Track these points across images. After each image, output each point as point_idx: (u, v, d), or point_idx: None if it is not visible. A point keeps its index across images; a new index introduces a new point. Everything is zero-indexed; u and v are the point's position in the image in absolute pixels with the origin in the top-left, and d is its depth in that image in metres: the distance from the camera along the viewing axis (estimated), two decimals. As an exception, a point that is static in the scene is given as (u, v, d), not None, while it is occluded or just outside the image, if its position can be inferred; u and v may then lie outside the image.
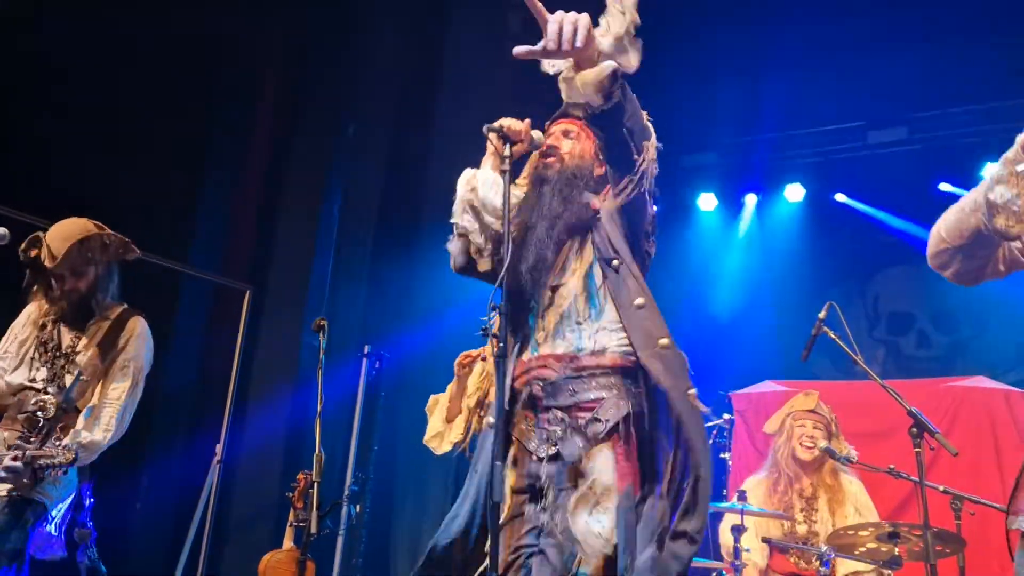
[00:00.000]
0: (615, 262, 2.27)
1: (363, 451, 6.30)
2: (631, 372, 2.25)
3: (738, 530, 3.75)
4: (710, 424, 4.92)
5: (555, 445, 2.19)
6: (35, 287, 3.24)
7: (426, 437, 4.11)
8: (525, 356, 2.31)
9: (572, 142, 2.42)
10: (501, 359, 1.99)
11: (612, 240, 2.29)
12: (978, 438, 4.88)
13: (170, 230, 5.79)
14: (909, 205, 6.07)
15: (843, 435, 4.36)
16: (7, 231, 2.74)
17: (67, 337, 3.20)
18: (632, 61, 2.04)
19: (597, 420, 2.17)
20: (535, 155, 2.43)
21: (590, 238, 2.33)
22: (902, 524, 3.55)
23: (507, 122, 2.30)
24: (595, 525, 2.07)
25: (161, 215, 5.60)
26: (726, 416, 5.01)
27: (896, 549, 3.45)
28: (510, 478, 2.23)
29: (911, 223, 6.11)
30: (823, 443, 4.04)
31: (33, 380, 3.11)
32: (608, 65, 1.99)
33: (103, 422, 3.08)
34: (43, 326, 3.21)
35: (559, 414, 2.21)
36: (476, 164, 2.49)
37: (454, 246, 2.46)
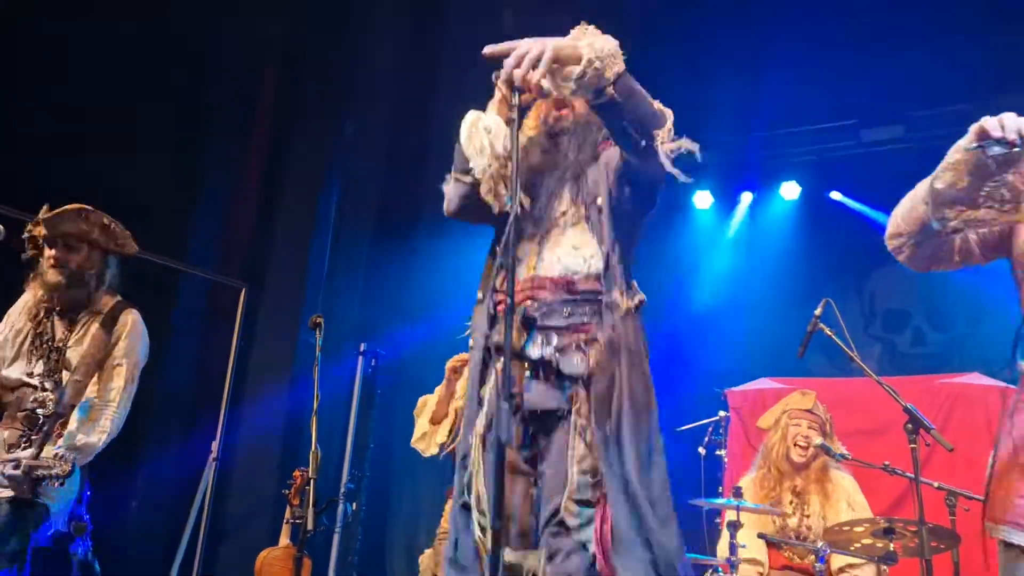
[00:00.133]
0: (599, 199, 2.30)
1: (359, 448, 6.31)
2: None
3: (734, 526, 3.76)
4: (706, 421, 4.94)
5: (553, 349, 2.20)
6: (32, 273, 3.19)
7: (413, 439, 4.12)
8: (518, 278, 2.29)
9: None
10: (509, 313, 1.96)
11: (599, 184, 2.32)
12: (973, 434, 4.89)
13: (167, 227, 5.79)
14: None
15: (839, 432, 4.37)
16: (2, 228, 2.74)
17: (60, 330, 3.14)
18: (609, 73, 2.08)
19: (595, 340, 2.20)
20: (544, 105, 2.41)
21: (589, 176, 2.34)
22: (897, 520, 3.56)
23: (519, 74, 2.29)
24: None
25: (158, 212, 5.59)
26: (722, 413, 5.02)
27: (891, 545, 3.47)
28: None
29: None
30: (818, 440, 4.05)
31: (30, 375, 3.07)
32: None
33: (99, 423, 3.03)
34: (38, 317, 3.16)
35: (553, 335, 2.22)
36: None
37: (452, 188, 2.41)
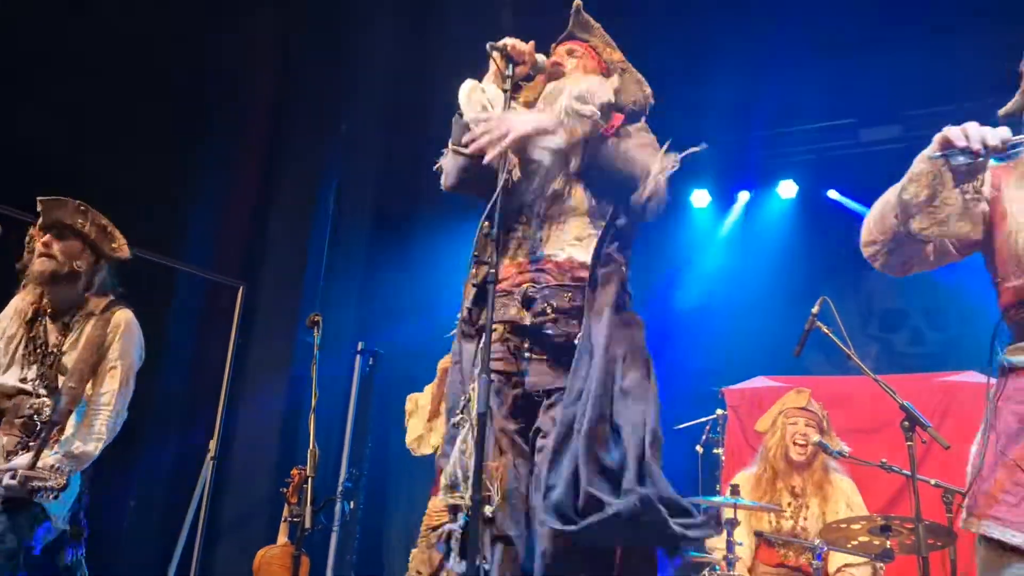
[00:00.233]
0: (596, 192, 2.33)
1: (357, 447, 6.31)
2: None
3: (731, 524, 3.77)
4: (703, 420, 4.94)
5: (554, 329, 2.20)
6: (26, 271, 3.13)
7: (408, 439, 4.12)
8: (519, 259, 2.30)
9: (577, 60, 2.42)
10: (491, 284, 1.99)
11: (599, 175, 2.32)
12: (969, 432, 4.84)
13: (165, 226, 5.78)
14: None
15: (836, 430, 4.38)
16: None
17: (54, 334, 3.09)
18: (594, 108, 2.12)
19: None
20: (540, 78, 2.39)
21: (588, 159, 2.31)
22: (894, 517, 3.57)
23: (511, 41, 2.29)
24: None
25: (156, 211, 5.59)
26: (719, 412, 5.03)
27: (888, 542, 3.48)
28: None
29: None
30: (816, 437, 4.06)
31: (25, 380, 3.03)
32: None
33: (95, 430, 2.98)
34: (30, 322, 3.10)
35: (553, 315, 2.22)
36: None
37: (450, 162, 2.38)
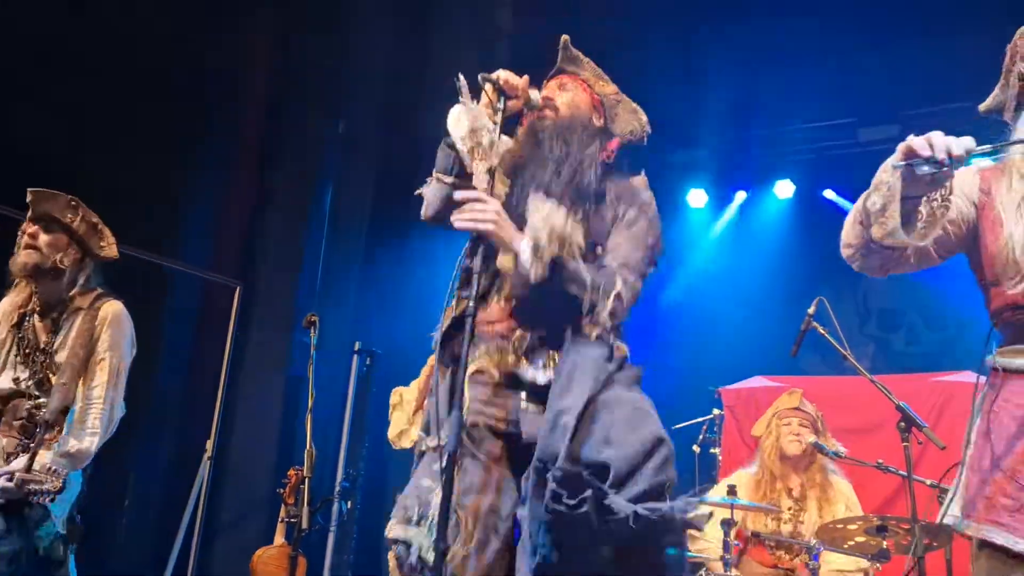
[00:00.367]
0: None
1: (354, 447, 6.31)
2: None
3: (728, 524, 3.77)
4: (700, 420, 4.95)
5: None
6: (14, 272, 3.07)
7: (390, 433, 4.11)
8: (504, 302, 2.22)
9: (568, 94, 2.39)
10: (470, 318, 1.96)
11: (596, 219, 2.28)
12: (965, 432, 4.91)
13: (161, 226, 5.78)
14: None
15: (832, 430, 4.38)
16: None
17: (43, 334, 3.04)
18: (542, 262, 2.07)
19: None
20: (531, 113, 2.36)
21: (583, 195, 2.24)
22: (890, 518, 3.58)
23: (504, 74, 2.25)
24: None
25: (152, 211, 5.58)
26: (716, 412, 5.03)
27: (884, 543, 3.48)
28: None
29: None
30: (811, 438, 4.06)
31: (18, 380, 3.00)
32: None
33: (88, 426, 2.94)
34: (18, 323, 3.06)
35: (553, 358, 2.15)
36: None
37: (432, 191, 2.32)
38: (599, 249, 2.25)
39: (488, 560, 2.04)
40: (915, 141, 1.66)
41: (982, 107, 1.98)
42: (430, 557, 1.96)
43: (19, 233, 3.09)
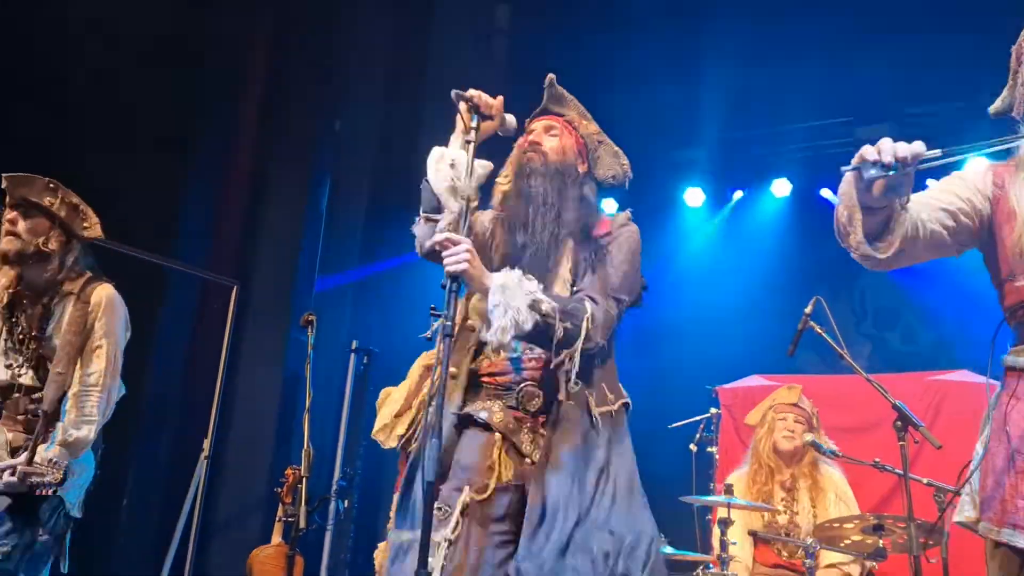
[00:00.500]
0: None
1: (351, 446, 6.31)
2: None
3: (724, 523, 3.78)
4: (697, 419, 4.95)
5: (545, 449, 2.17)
6: None
7: (374, 430, 4.11)
8: (510, 350, 2.26)
9: (554, 139, 2.41)
10: (448, 337, 1.98)
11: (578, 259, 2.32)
12: (962, 431, 4.89)
13: (158, 225, 5.77)
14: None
15: (828, 429, 4.39)
16: None
17: (34, 320, 2.98)
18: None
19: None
20: (517, 150, 2.40)
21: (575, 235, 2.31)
22: (887, 516, 3.59)
23: (476, 93, 2.26)
24: None
25: (149, 210, 5.58)
26: (713, 410, 5.03)
27: (880, 541, 3.49)
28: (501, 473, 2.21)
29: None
30: (808, 436, 4.07)
31: (11, 367, 2.96)
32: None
33: (86, 413, 2.91)
34: (7, 308, 3.00)
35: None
36: None
37: (423, 230, 2.36)
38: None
39: None
40: (865, 148, 1.70)
41: (992, 109, 1.99)
42: None
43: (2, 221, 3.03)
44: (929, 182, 2.05)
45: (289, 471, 4.77)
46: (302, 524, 3.77)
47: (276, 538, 4.79)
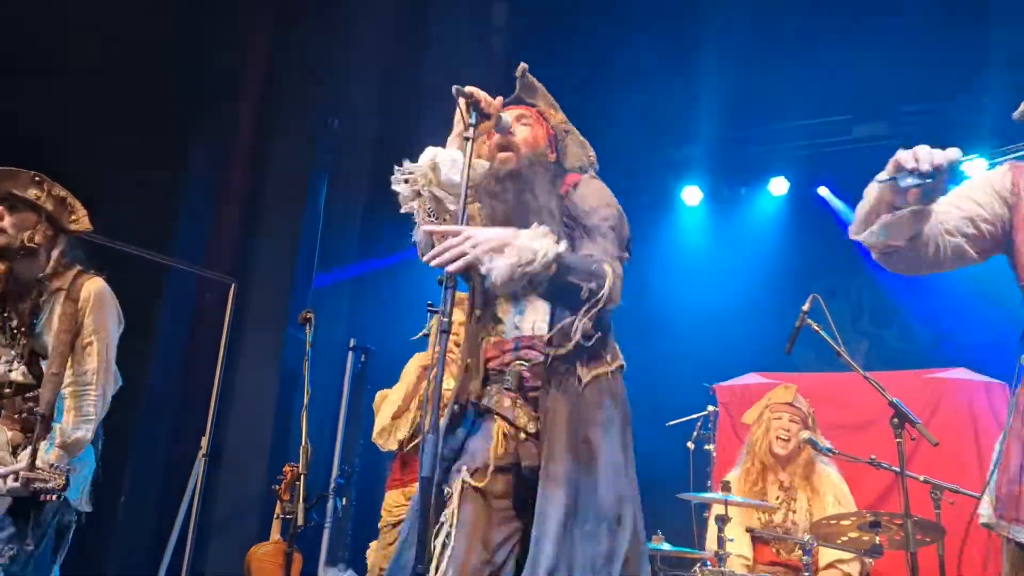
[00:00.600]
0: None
1: (349, 444, 6.32)
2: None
3: (722, 520, 3.78)
4: (695, 416, 4.96)
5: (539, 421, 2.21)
6: None
7: (374, 434, 4.12)
8: (504, 335, 2.31)
9: (526, 128, 2.42)
10: (444, 334, 1.98)
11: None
12: (958, 429, 4.94)
13: (155, 223, 5.77)
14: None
15: (826, 426, 4.40)
16: None
17: (24, 316, 2.94)
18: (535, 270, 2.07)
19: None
20: (492, 141, 2.40)
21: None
22: (883, 513, 3.60)
23: (481, 94, 2.27)
24: None
25: (146, 208, 5.58)
26: (710, 408, 5.04)
27: (877, 538, 3.50)
28: (496, 453, 2.24)
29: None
30: (805, 434, 4.08)
31: (5, 362, 2.92)
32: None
33: (82, 412, 2.87)
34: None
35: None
36: None
37: (423, 238, 2.38)
38: None
39: None
40: (901, 154, 1.68)
41: (1016, 115, 1.98)
42: None
43: None
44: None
45: (287, 468, 4.77)
46: (300, 521, 3.78)
47: (274, 535, 4.80)
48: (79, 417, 2.88)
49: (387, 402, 4.09)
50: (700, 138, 6.97)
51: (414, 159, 2.38)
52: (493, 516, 2.18)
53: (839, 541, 3.68)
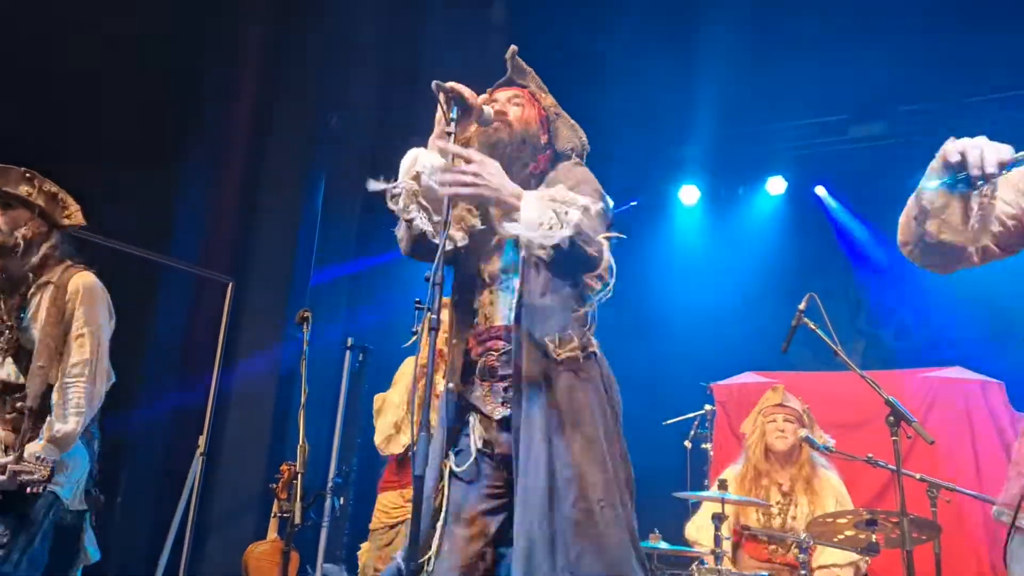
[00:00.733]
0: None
1: (346, 443, 6.31)
2: None
3: (718, 518, 3.79)
4: (692, 415, 4.97)
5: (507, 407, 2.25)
6: None
7: (377, 440, 4.12)
8: (481, 326, 2.35)
9: (518, 108, 2.42)
10: (433, 332, 1.99)
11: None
12: (954, 427, 4.96)
13: (152, 222, 5.76)
14: (890, 199, 6.13)
15: (822, 425, 4.40)
16: None
17: (12, 311, 2.92)
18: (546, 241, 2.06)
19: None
20: (479, 129, 2.39)
21: None
22: (879, 511, 3.61)
23: (465, 90, 2.27)
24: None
25: (143, 208, 5.57)
26: (707, 407, 5.05)
27: (873, 536, 3.51)
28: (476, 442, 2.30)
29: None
30: (802, 431, 4.08)
31: None
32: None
33: (71, 405, 2.83)
34: None
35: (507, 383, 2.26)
36: None
37: (402, 232, 2.42)
38: None
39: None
40: (948, 147, 1.61)
41: None
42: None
43: None
44: None
45: (284, 467, 4.76)
46: (297, 520, 3.78)
47: (271, 534, 4.80)
48: (67, 409, 2.84)
49: (389, 407, 4.09)
50: (697, 137, 6.98)
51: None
52: (482, 493, 2.24)
53: (835, 539, 3.69)
